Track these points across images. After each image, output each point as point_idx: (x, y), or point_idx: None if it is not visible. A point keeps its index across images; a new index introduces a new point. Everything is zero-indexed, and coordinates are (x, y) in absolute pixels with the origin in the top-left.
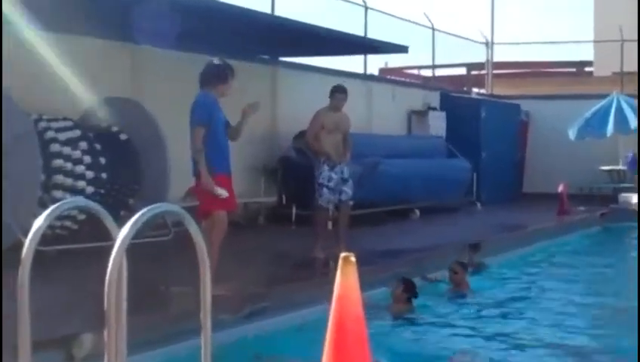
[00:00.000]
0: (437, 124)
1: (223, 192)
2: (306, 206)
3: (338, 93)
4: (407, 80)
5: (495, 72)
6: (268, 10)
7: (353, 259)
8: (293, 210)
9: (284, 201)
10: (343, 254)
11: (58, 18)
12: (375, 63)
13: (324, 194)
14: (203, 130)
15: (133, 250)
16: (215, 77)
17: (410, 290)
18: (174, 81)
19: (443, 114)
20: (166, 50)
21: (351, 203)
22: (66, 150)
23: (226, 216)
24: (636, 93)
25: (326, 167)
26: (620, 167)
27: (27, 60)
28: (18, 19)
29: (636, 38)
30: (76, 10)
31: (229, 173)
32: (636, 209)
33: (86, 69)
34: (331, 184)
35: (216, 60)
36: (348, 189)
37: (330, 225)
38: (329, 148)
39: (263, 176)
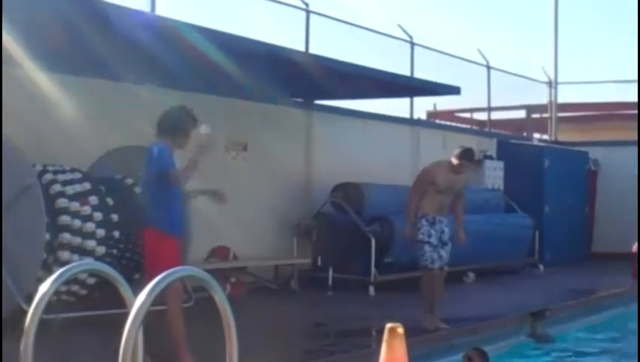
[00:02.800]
0: (493, 174)
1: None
2: (345, 269)
3: (468, 161)
4: (459, 125)
5: (559, 114)
6: (302, 48)
7: (401, 330)
8: (330, 274)
9: (319, 263)
10: (388, 325)
11: (66, 57)
12: (422, 105)
13: (427, 253)
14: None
15: (147, 317)
16: (175, 126)
17: None
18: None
19: (500, 163)
20: (187, 92)
21: (446, 268)
22: (74, 205)
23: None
24: None
25: (425, 222)
26: None
27: (29, 104)
28: (21, 60)
29: None
30: (88, 49)
31: (182, 237)
32: None
33: (98, 114)
34: (433, 240)
35: (177, 106)
36: (445, 254)
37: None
38: (431, 206)
39: (296, 234)
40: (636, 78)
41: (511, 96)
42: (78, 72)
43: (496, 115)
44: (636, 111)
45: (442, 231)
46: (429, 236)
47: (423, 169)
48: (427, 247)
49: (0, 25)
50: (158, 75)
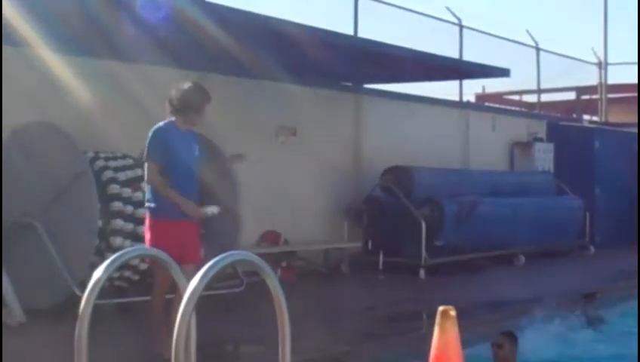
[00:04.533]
0: (543, 156)
1: (212, 209)
2: (395, 253)
3: None
4: (509, 107)
5: (610, 96)
6: (350, 32)
7: (453, 312)
8: (381, 257)
9: (370, 247)
10: (441, 307)
11: (120, 44)
12: (471, 88)
13: None
14: (156, 166)
15: (198, 303)
16: (189, 104)
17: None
18: (247, 113)
19: (550, 145)
20: (235, 77)
21: None
22: (126, 192)
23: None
24: None
25: None
26: None
27: (80, 91)
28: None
29: None
30: (140, 36)
31: (179, 220)
32: None
33: (148, 100)
34: None
35: (188, 83)
36: None
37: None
38: None
39: (346, 218)
40: None
41: (560, 78)
42: (130, 58)
43: (545, 97)
44: None
45: None
46: None
47: None
48: None
49: (0, 19)
50: (210, 61)
